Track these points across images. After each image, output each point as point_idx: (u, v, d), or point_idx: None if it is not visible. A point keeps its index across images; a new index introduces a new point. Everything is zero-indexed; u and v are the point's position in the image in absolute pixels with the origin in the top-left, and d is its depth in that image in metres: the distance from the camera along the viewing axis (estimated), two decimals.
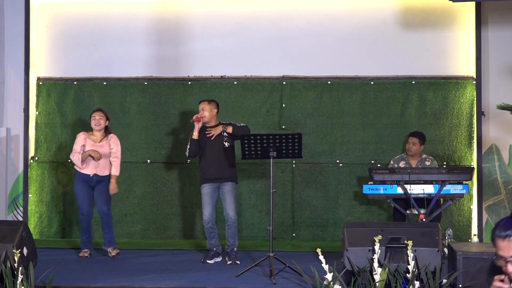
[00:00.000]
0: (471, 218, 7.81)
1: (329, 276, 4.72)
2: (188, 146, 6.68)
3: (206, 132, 6.63)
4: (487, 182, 7.84)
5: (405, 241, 5.05)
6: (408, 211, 6.95)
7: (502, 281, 2.54)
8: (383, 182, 6.77)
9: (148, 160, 8.15)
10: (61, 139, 8.19)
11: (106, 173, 6.92)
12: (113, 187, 6.89)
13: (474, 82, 7.87)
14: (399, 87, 7.99)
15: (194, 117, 6.65)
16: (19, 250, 5.09)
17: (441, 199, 6.97)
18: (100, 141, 6.93)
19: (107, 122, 7.02)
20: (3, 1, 8.39)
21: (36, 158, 8.20)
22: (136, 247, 7.53)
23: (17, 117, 8.31)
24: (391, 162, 7.37)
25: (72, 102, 8.21)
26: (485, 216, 7.82)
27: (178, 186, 8.12)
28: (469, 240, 7.61)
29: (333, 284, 4.71)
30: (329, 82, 8.05)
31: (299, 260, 6.07)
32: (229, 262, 6.48)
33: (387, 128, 7.99)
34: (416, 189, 6.74)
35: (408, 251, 4.95)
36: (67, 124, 8.20)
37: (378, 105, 8.01)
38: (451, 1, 7.23)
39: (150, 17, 8.29)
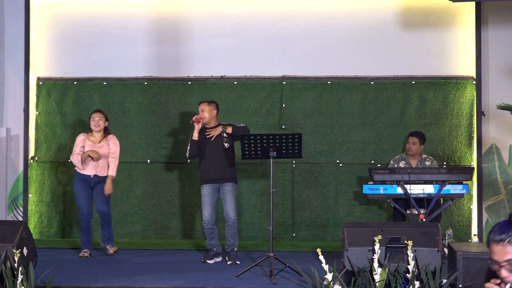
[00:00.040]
0: (471, 218, 7.81)
1: (329, 276, 4.72)
2: (188, 147, 6.68)
3: (206, 133, 6.63)
4: (487, 182, 7.84)
5: (405, 241, 5.05)
6: (408, 211, 6.95)
7: (498, 285, 2.50)
8: (383, 182, 6.77)
9: (148, 160, 8.15)
10: (61, 139, 8.19)
11: (106, 174, 6.92)
12: (108, 187, 6.87)
13: (474, 82, 7.87)
14: (399, 87, 7.99)
15: (193, 118, 6.65)
16: (19, 250, 5.09)
17: (441, 199, 6.97)
18: (99, 142, 6.94)
19: (107, 123, 7.03)
20: (3, 1, 8.39)
21: (36, 158, 8.20)
22: (136, 247, 7.53)
23: (17, 117, 8.31)
24: (391, 162, 7.37)
25: (72, 102, 8.21)
26: (485, 216, 7.82)
27: (178, 186, 8.12)
28: (469, 240, 7.61)
29: (333, 284, 4.71)
30: (329, 82, 8.05)
31: (299, 260, 6.06)
32: (229, 262, 6.48)
33: (387, 128, 7.99)
34: (416, 189, 6.74)
35: (408, 251, 4.95)
36: (67, 124, 8.20)
37: (378, 105, 8.01)
38: (451, 1, 7.23)
39: (150, 17, 8.29)
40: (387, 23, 8.09)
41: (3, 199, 8.15)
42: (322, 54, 8.12)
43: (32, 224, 8.06)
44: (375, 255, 4.95)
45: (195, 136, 6.63)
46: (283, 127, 8.04)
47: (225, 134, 6.57)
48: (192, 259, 6.77)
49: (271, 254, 5.86)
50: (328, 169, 8.00)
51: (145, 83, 8.19)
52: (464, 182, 6.81)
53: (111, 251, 6.93)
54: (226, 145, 6.54)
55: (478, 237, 7.08)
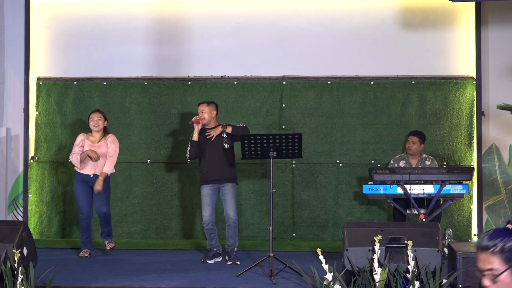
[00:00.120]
0: (471, 218, 7.81)
1: (329, 276, 4.72)
2: (188, 148, 6.68)
3: (206, 134, 6.63)
4: (487, 182, 7.84)
5: (405, 241, 5.05)
6: (408, 211, 6.95)
7: None
8: (383, 182, 6.77)
9: (148, 160, 8.15)
10: (61, 139, 8.19)
11: None
12: (98, 183, 6.79)
13: (474, 82, 7.87)
14: (399, 87, 7.99)
15: (193, 119, 6.65)
16: (19, 250, 5.09)
17: (441, 199, 6.97)
18: (98, 142, 6.94)
19: (106, 122, 7.02)
20: (3, 1, 8.39)
21: (36, 158, 8.20)
22: (136, 247, 7.54)
23: (17, 117, 8.31)
24: (391, 162, 7.37)
25: (72, 102, 8.21)
26: (485, 216, 7.82)
27: (178, 186, 8.12)
28: (469, 240, 7.61)
29: (333, 284, 4.71)
30: (329, 82, 8.05)
31: (299, 260, 6.06)
32: (229, 262, 6.48)
33: (387, 128, 7.99)
34: (416, 189, 6.74)
35: (408, 251, 4.95)
36: (67, 124, 8.20)
37: (378, 105, 8.01)
38: (451, 1, 7.23)
39: (150, 17, 8.29)
40: (387, 23, 8.09)
41: (3, 199, 8.15)
42: (322, 54, 8.12)
43: (32, 224, 8.05)
44: (375, 255, 4.95)
45: (195, 136, 6.63)
46: (283, 127, 8.04)
47: (225, 135, 6.57)
48: (192, 259, 6.77)
49: (271, 254, 5.86)
50: (328, 169, 8.00)
51: (145, 83, 8.19)
52: (464, 182, 6.81)
53: (108, 248, 6.96)
54: (226, 145, 6.55)
55: (478, 237, 7.08)
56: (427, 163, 7.24)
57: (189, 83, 8.16)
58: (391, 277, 4.96)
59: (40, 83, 8.25)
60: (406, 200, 6.88)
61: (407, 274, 4.95)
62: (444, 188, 6.72)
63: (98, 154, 6.83)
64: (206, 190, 6.61)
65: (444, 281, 5.00)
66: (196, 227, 8.04)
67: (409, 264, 4.93)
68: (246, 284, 5.47)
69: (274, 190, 6.10)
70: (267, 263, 5.94)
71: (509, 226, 2.40)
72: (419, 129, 7.60)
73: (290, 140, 6.08)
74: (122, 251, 7.13)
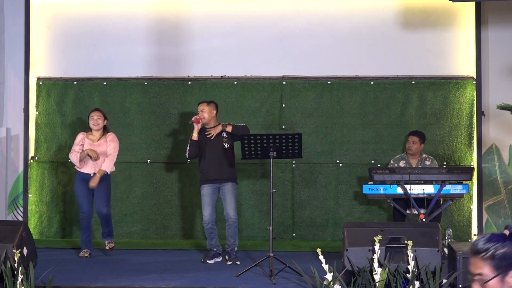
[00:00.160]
0: (471, 218, 7.81)
1: (329, 276, 4.72)
2: (188, 148, 6.68)
3: (206, 133, 6.63)
4: (487, 182, 7.84)
5: (405, 241, 5.05)
6: (408, 211, 6.95)
7: None
8: (383, 182, 6.77)
9: (148, 160, 8.15)
10: (61, 139, 8.19)
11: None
12: (93, 180, 6.79)
13: (474, 82, 7.87)
14: (399, 87, 7.99)
15: (193, 119, 6.65)
16: (19, 250, 5.09)
17: (441, 199, 6.97)
18: (98, 140, 6.94)
19: (105, 121, 7.03)
20: (3, 1, 8.39)
21: (36, 158, 8.20)
22: (136, 247, 7.54)
23: (17, 117, 8.31)
24: (391, 162, 7.37)
25: (72, 102, 8.21)
26: (485, 216, 7.82)
27: (178, 186, 8.12)
28: (469, 240, 7.61)
29: (333, 284, 4.71)
30: (329, 82, 8.05)
31: (299, 260, 6.06)
32: (229, 262, 6.48)
33: (387, 128, 7.99)
34: (416, 189, 6.74)
35: (408, 251, 4.95)
36: (67, 124, 8.20)
37: (378, 105, 8.01)
38: (451, 1, 7.23)
39: (150, 17, 8.28)
40: (387, 23, 8.09)
41: (3, 199, 8.15)
42: (322, 54, 8.11)
43: (32, 224, 8.05)
44: (375, 255, 4.95)
45: (195, 136, 6.63)
46: (283, 127, 8.04)
47: (225, 134, 6.58)
48: (192, 259, 6.77)
49: (271, 254, 5.86)
50: (328, 169, 8.00)
51: (145, 83, 8.19)
52: (464, 182, 6.81)
53: (108, 248, 6.97)
54: (226, 145, 6.55)
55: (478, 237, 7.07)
56: (427, 163, 7.24)
57: (189, 83, 8.16)
58: (391, 277, 4.96)
59: (40, 83, 8.25)
60: (406, 200, 6.88)
61: (407, 274, 4.95)
62: (444, 188, 6.72)
63: (97, 153, 6.83)
64: (206, 190, 6.61)
65: (444, 281, 5.00)
66: (196, 227, 8.04)
67: (409, 264, 4.94)
68: (246, 284, 5.47)
69: (274, 190, 6.10)
70: (267, 263, 5.94)
71: (506, 232, 2.38)
72: (419, 129, 7.60)
73: (290, 140, 6.08)
74: (122, 251, 7.13)
